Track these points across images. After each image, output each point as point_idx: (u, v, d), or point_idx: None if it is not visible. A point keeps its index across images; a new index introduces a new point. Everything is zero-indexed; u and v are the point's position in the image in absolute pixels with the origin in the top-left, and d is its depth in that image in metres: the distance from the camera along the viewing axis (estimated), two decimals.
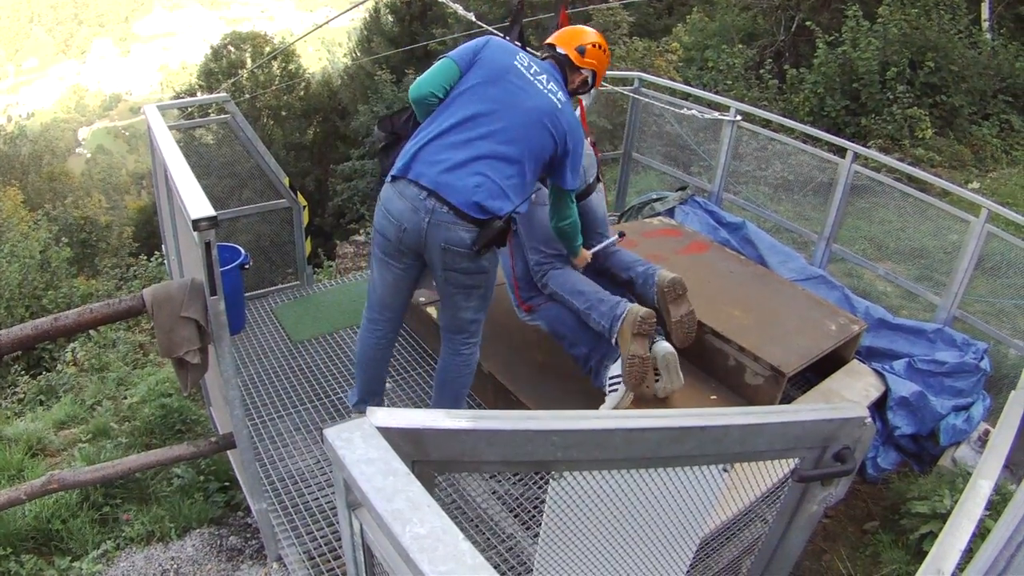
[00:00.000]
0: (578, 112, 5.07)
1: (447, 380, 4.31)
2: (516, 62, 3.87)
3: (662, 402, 4.75)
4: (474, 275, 3.85)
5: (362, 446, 1.44)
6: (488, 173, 3.64)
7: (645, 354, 4.30)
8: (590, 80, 4.24)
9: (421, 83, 3.87)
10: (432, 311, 5.38)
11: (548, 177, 4.07)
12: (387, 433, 1.49)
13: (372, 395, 4.52)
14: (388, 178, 3.83)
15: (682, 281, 4.63)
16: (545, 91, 3.85)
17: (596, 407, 4.50)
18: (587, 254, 4.71)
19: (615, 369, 4.50)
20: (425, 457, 1.61)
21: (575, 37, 4.20)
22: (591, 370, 4.67)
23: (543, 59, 4.14)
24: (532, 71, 3.88)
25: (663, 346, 4.66)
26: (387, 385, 4.96)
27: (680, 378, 4.69)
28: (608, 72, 8.03)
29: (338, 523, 1.78)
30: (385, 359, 4.50)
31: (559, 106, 3.86)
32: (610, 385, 4.52)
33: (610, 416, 1.75)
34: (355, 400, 4.57)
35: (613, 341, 4.38)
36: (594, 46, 4.19)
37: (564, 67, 4.12)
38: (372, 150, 21.17)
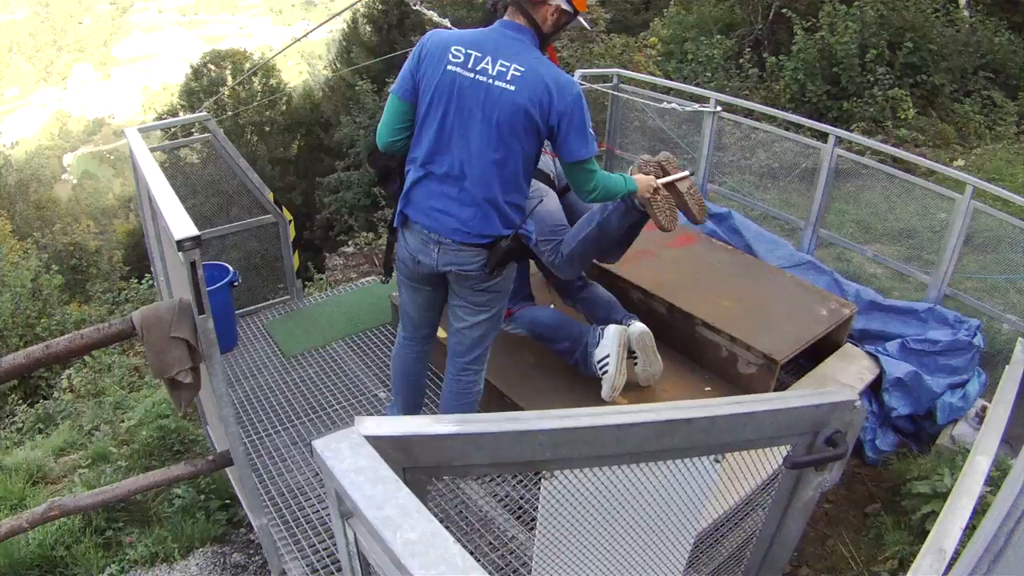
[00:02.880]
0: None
1: (452, 407, 4.21)
2: (452, 67, 3.42)
3: (649, 389, 4.78)
4: (487, 292, 3.77)
5: (350, 456, 1.44)
6: (476, 202, 3.49)
7: (665, 192, 4.16)
8: (565, 5, 3.46)
9: (381, 131, 3.70)
10: (441, 332, 5.34)
11: (560, 157, 3.57)
12: (376, 442, 1.50)
13: (416, 408, 4.50)
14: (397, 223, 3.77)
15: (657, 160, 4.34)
16: (491, 82, 3.39)
17: (590, 404, 4.51)
18: (651, 180, 4.15)
19: (600, 352, 4.56)
20: (415, 463, 1.62)
21: None
22: (577, 362, 4.71)
23: (495, 22, 3.57)
24: (471, 64, 3.41)
25: (637, 327, 4.70)
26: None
27: (659, 361, 4.73)
28: (587, 70, 8.06)
29: None
30: (424, 371, 4.44)
31: (512, 89, 3.36)
32: (601, 368, 4.58)
33: (596, 413, 1.75)
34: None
35: (636, 201, 4.17)
36: None
37: (527, 12, 3.46)
38: (358, 161, 21.10)
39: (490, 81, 3.40)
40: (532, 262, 4.54)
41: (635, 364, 4.71)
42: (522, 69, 3.39)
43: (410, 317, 4.17)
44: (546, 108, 3.39)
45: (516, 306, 4.89)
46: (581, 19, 3.62)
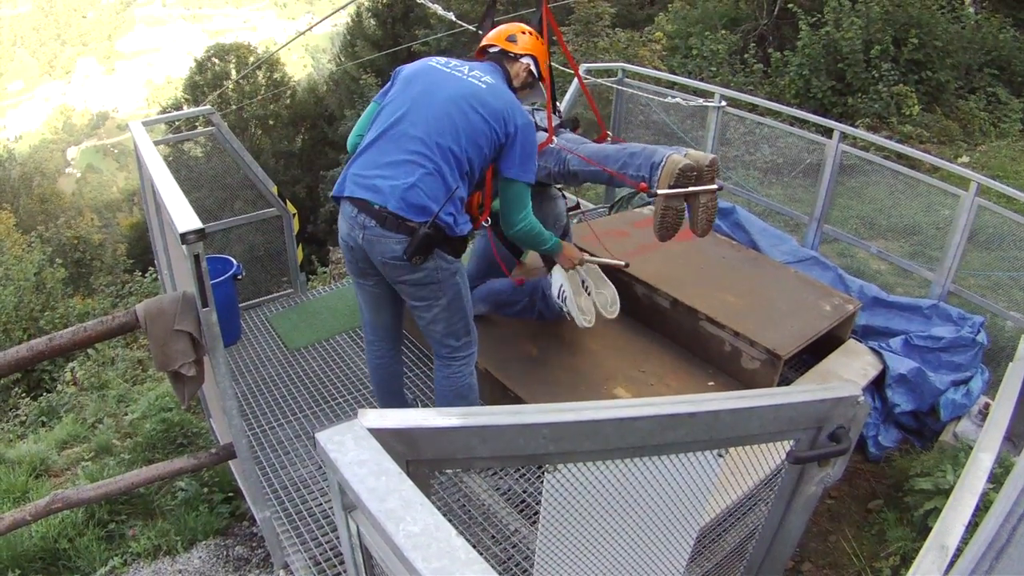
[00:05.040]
0: (542, 120, 5.00)
1: (442, 398, 4.21)
2: (432, 63, 3.85)
3: (653, 386, 4.77)
4: (423, 286, 3.74)
5: (354, 448, 1.44)
6: (410, 173, 3.53)
7: (680, 206, 4.23)
8: (533, 68, 4.09)
9: (353, 132, 3.99)
10: None
11: (497, 168, 3.86)
12: (379, 434, 1.50)
13: (392, 407, 4.46)
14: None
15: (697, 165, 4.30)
16: (465, 78, 3.75)
17: (593, 398, 4.51)
18: (574, 251, 4.59)
19: (554, 286, 4.66)
20: (418, 456, 1.62)
21: (504, 31, 4.12)
22: (541, 312, 4.83)
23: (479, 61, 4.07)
24: (451, 66, 3.82)
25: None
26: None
27: (608, 284, 4.78)
28: (592, 64, 8.07)
29: None
30: (395, 374, 4.46)
31: (483, 87, 3.72)
32: (560, 298, 4.63)
33: (599, 407, 1.75)
34: None
35: (654, 189, 4.23)
36: (523, 32, 4.11)
37: (501, 62, 4.02)
38: None
39: (463, 76, 3.76)
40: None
41: (588, 294, 4.71)
42: (492, 82, 3.78)
43: (365, 319, 4.27)
44: (506, 116, 3.69)
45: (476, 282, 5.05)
46: (542, 88, 4.31)
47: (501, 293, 4.95)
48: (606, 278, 4.75)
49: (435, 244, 3.57)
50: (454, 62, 3.85)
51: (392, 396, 4.49)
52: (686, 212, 4.31)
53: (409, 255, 3.54)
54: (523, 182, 3.83)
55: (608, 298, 4.73)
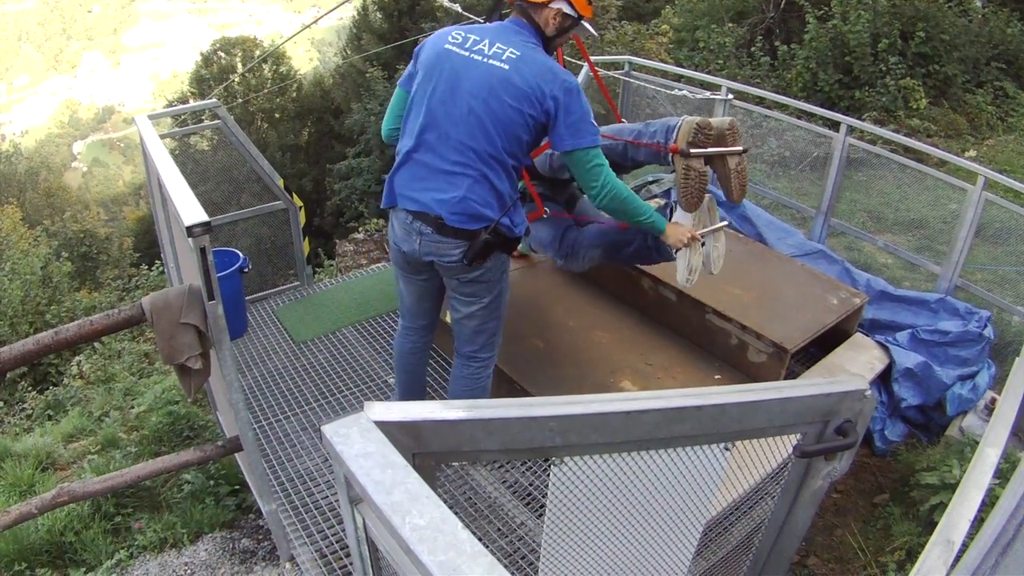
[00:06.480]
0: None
1: (455, 396, 4.19)
2: (448, 45, 3.53)
3: (658, 379, 4.75)
4: (476, 283, 3.74)
5: (360, 441, 1.44)
6: (459, 181, 3.46)
7: (701, 168, 3.98)
8: (567, 9, 3.57)
9: (384, 122, 3.89)
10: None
11: (552, 145, 3.59)
12: (385, 427, 1.49)
13: (413, 398, 4.45)
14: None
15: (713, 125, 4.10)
16: (486, 61, 3.44)
17: (600, 391, 4.50)
18: (686, 229, 3.96)
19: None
20: (424, 449, 1.61)
21: None
22: (650, 248, 4.28)
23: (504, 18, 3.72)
24: (468, 45, 3.51)
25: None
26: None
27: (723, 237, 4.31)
28: (598, 57, 8.04)
29: None
30: (422, 362, 4.44)
31: (506, 68, 3.41)
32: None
33: (605, 399, 1.74)
34: None
35: (669, 158, 4.06)
36: None
37: (529, 13, 3.59)
38: (368, 148, 21.07)
39: (484, 60, 3.46)
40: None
41: (702, 245, 4.12)
42: (518, 53, 3.45)
43: (406, 306, 4.20)
44: (540, 92, 3.40)
45: (565, 236, 4.67)
46: (587, 25, 3.75)
47: (608, 233, 4.47)
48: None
49: (495, 248, 3.57)
50: (472, 38, 3.52)
51: (416, 383, 4.48)
52: (710, 177, 4.09)
53: (469, 260, 3.53)
54: (583, 148, 3.50)
55: (721, 251, 4.26)
